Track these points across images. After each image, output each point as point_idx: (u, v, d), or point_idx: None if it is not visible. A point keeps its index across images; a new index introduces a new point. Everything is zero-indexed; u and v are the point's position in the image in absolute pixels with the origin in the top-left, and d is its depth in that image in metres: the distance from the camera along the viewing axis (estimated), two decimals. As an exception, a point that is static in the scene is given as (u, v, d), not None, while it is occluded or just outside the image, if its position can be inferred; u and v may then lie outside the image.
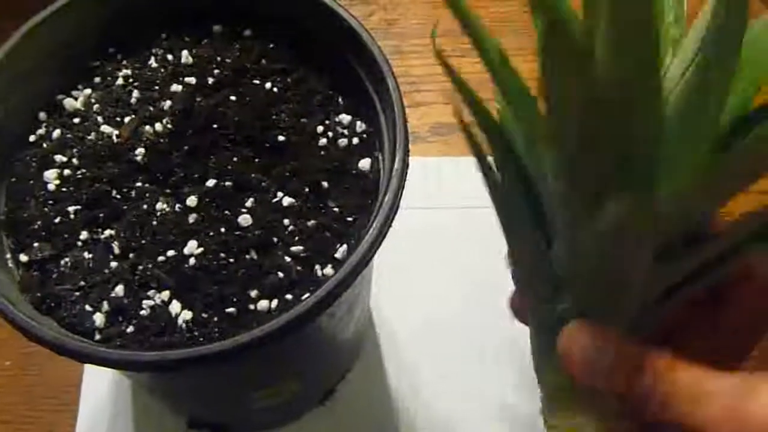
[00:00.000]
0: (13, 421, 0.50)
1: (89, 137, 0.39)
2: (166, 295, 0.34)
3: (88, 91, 0.40)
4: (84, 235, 0.36)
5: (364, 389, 0.50)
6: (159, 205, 0.36)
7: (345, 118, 0.39)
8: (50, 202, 0.37)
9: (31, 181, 0.38)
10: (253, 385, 0.42)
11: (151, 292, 0.35)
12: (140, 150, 0.37)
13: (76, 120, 0.39)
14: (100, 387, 0.50)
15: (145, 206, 0.36)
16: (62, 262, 0.36)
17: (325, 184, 0.37)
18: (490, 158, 0.26)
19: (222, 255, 0.35)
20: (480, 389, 0.50)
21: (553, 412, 0.29)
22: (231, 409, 0.47)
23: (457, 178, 0.57)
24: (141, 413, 0.49)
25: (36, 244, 0.36)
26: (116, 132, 0.38)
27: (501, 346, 0.51)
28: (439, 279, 0.53)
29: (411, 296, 0.53)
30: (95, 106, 0.40)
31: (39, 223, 0.36)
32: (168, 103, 0.39)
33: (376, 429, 0.49)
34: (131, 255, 0.35)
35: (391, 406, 0.50)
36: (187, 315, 0.34)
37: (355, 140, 0.38)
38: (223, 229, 0.35)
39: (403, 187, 0.34)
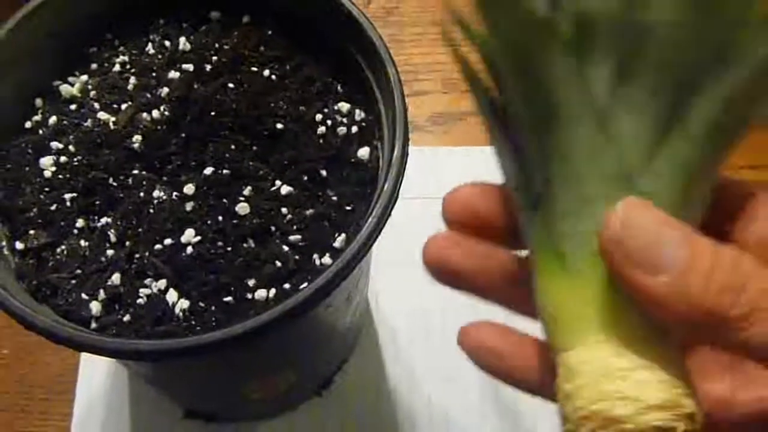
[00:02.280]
0: (8, 409, 0.50)
1: (86, 124, 0.38)
2: (162, 283, 0.34)
3: (84, 77, 0.40)
4: (80, 222, 0.36)
5: (361, 380, 0.50)
6: (156, 193, 0.36)
7: (344, 106, 0.39)
8: (46, 189, 0.37)
9: (27, 168, 0.37)
10: (249, 374, 0.42)
11: (147, 281, 0.34)
12: (137, 137, 0.37)
13: (73, 107, 0.39)
14: (96, 375, 0.50)
15: (141, 194, 0.36)
16: (58, 250, 0.36)
17: (323, 172, 0.37)
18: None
19: (219, 244, 0.35)
20: (478, 380, 0.50)
21: (564, 347, 0.23)
22: (227, 399, 0.47)
23: (456, 168, 0.57)
24: (137, 402, 0.49)
25: (32, 232, 0.36)
26: (113, 119, 0.38)
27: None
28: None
29: (408, 287, 0.53)
30: (92, 93, 0.39)
31: (35, 210, 0.36)
32: (165, 90, 0.38)
33: (372, 420, 0.49)
34: (128, 243, 0.35)
35: (388, 397, 0.50)
36: (184, 304, 0.34)
37: (354, 128, 0.38)
38: (220, 218, 0.35)
39: (403, 176, 0.34)
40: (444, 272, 0.29)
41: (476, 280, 0.29)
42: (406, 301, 0.52)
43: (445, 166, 0.57)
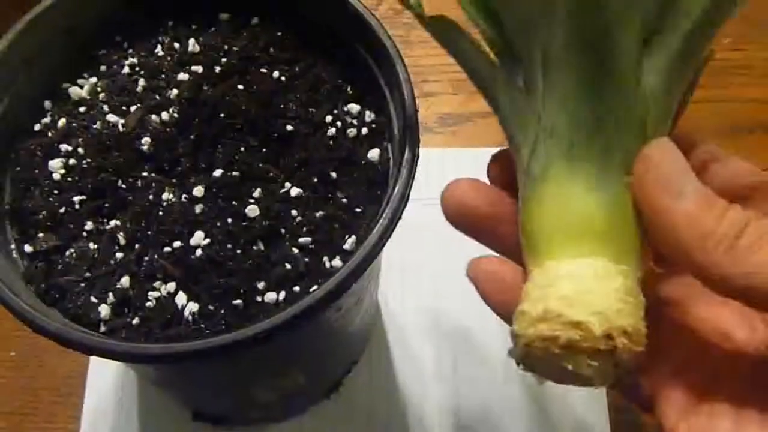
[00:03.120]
0: (15, 412, 0.50)
1: (95, 126, 0.38)
2: (172, 286, 0.34)
3: (93, 79, 0.40)
4: (89, 225, 0.36)
5: (370, 382, 0.50)
6: (165, 196, 0.36)
7: (354, 107, 0.39)
8: (55, 191, 0.37)
9: (36, 171, 0.37)
10: (258, 377, 0.42)
11: (157, 284, 0.34)
12: (146, 139, 0.37)
13: (82, 109, 0.39)
14: (105, 378, 0.50)
15: (151, 196, 0.36)
16: (67, 253, 0.35)
17: (333, 174, 0.37)
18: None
19: (229, 246, 0.34)
20: (488, 382, 0.50)
21: (545, 256, 0.26)
22: (236, 402, 0.47)
23: (465, 170, 0.56)
24: (146, 405, 0.49)
25: (41, 235, 0.36)
26: (122, 121, 0.38)
27: (509, 340, 0.50)
28: (446, 271, 0.53)
29: (418, 289, 0.53)
30: (101, 95, 0.39)
31: (44, 213, 0.36)
32: (174, 91, 0.38)
33: (382, 423, 0.49)
34: (137, 246, 0.35)
35: (398, 400, 0.50)
36: (193, 307, 0.33)
37: (364, 130, 0.38)
38: (230, 220, 0.35)
39: (414, 178, 0.33)
40: (464, 216, 0.30)
41: (496, 227, 0.30)
42: (416, 303, 0.52)
43: (454, 168, 0.56)
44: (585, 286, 0.25)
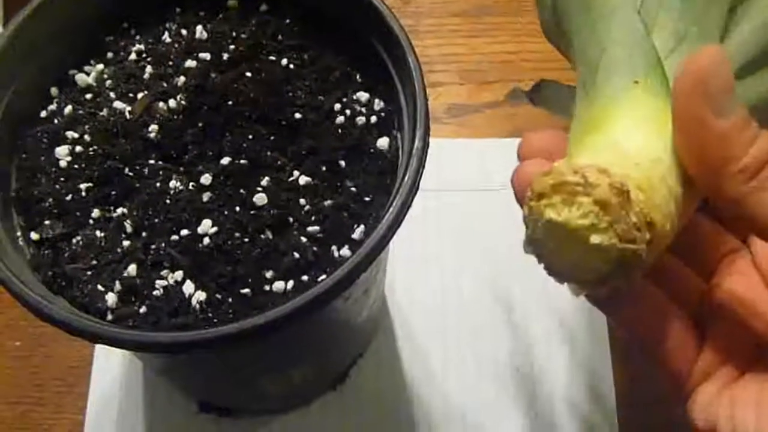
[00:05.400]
0: (21, 401, 0.49)
1: (101, 113, 0.38)
2: (179, 275, 0.34)
3: (100, 66, 0.39)
4: (96, 213, 0.35)
5: (376, 374, 0.50)
6: (172, 183, 0.35)
7: (363, 95, 0.38)
8: (61, 179, 0.36)
9: (43, 158, 0.37)
10: (265, 368, 0.41)
11: (164, 272, 0.34)
12: (153, 127, 0.37)
13: (89, 96, 0.39)
14: (111, 368, 0.50)
15: (158, 184, 0.35)
16: (74, 241, 0.35)
17: (342, 163, 0.36)
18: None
19: (237, 235, 0.34)
20: (495, 375, 0.49)
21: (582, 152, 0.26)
22: (242, 393, 0.46)
23: (472, 161, 0.56)
24: (152, 396, 0.49)
25: (47, 222, 0.35)
26: (129, 108, 0.38)
27: (516, 336, 0.50)
28: (454, 263, 0.52)
29: (426, 280, 0.52)
30: (108, 82, 0.39)
31: (50, 200, 0.36)
32: (182, 79, 0.38)
33: (388, 415, 0.49)
34: (144, 234, 0.35)
35: (404, 392, 0.49)
36: (200, 296, 0.33)
37: (374, 118, 0.38)
38: (237, 209, 0.35)
39: (424, 167, 0.33)
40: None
41: None
42: (423, 295, 0.52)
43: (462, 159, 0.56)
44: (612, 150, 0.25)
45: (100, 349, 0.50)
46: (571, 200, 0.24)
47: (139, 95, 0.38)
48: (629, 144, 0.25)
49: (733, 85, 0.24)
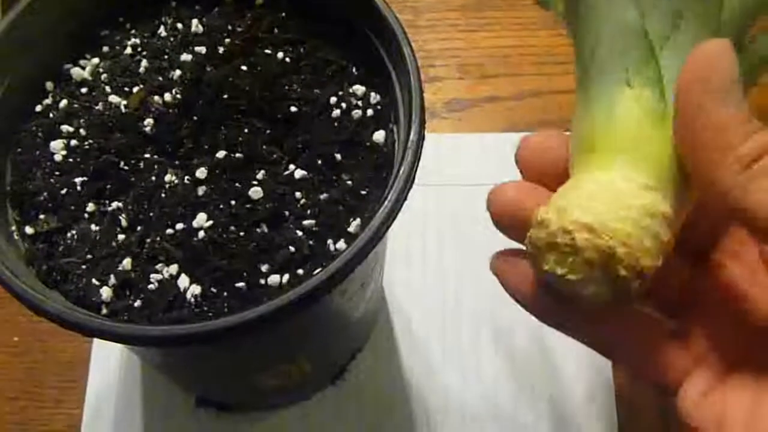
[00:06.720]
0: (19, 397, 0.49)
1: (97, 107, 0.38)
2: (174, 269, 0.34)
3: (96, 60, 0.39)
4: (91, 207, 0.35)
5: (375, 369, 0.50)
6: (167, 177, 0.35)
7: (359, 89, 0.38)
8: (56, 173, 0.36)
9: (37, 152, 0.37)
10: (262, 363, 0.41)
11: (159, 266, 0.34)
12: (149, 120, 0.36)
13: (84, 90, 0.39)
14: (108, 363, 0.49)
15: (153, 178, 0.35)
16: (69, 235, 0.35)
17: (338, 156, 0.36)
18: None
19: (232, 228, 0.34)
20: (494, 370, 0.49)
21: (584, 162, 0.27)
22: (240, 388, 0.46)
23: (471, 155, 0.56)
24: (149, 391, 0.49)
25: (42, 216, 0.35)
26: (124, 102, 0.37)
27: (515, 327, 0.50)
28: (453, 257, 0.52)
29: (423, 275, 0.52)
30: (103, 76, 0.39)
31: (45, 194, 0.36)
32: (177, 72, 0.38)
33: (386, 410, 0.49)
34: (139, 228, 0.35)
35: (403, 387, 0.49)
36: (195, 289, 0.33)
37: (370, 112, 0.37)
38: (233, 202, 0.35)
39: (419, 160, 0.33)
40: (515, 222, 0.30)
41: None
42: (421, 290, 0.52)
43: (461, 153, 0.56)
44: (602, 194, 0.26)
45: (98, 344, 0.50)
46: (563, 259, 0.26)
47: (135, 89, 0.38)
48: (620, 185, 0.26)
49: (737, 77, 0.24)
